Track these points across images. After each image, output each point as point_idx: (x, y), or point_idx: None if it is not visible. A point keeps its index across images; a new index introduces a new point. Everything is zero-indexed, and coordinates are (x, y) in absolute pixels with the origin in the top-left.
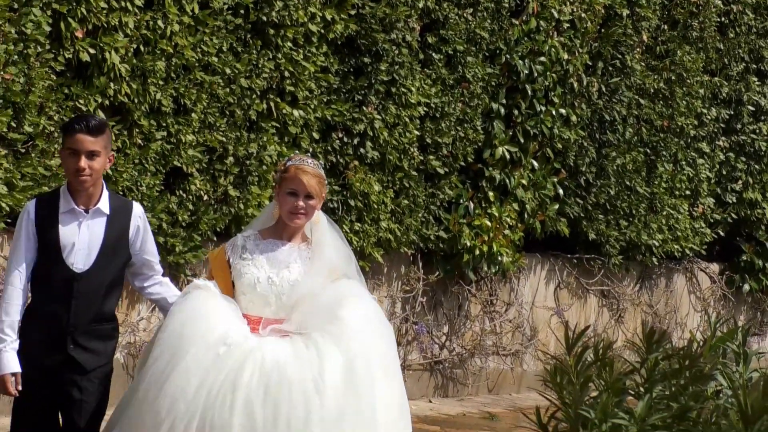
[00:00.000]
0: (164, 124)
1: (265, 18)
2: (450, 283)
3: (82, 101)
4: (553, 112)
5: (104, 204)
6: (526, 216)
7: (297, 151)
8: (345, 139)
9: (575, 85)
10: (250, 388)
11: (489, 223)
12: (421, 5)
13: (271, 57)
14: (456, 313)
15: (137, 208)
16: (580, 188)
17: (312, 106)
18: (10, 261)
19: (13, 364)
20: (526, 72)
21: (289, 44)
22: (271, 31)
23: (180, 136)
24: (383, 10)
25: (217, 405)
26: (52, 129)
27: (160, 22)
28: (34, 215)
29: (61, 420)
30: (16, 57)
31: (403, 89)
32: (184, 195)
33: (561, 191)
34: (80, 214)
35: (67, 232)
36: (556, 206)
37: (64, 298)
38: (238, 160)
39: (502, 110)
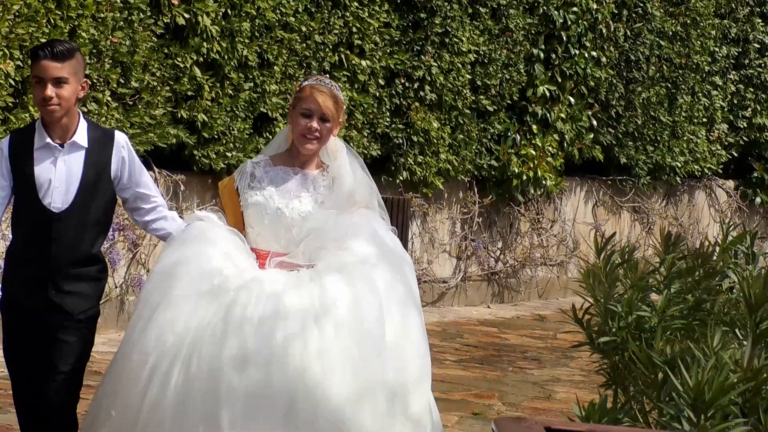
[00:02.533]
0: (251, 77)
1: None
2: (502, 204)
3: (179, 59)
4: (586, 55)
5: (81, 136)
6: (565, 145)
7: (323, 77)
8: (406, 84)
9: (604, 30)
10: (243, 318)
11: (533, 152)
12: None
13: (340, 15)
14: (508, 231)
15: (120, 137)
16: (611, 119)
17: (377, 57)
18: None
19: None
20: (561, 21)
21: (356, 3)
22: None
23: (265, 87)
24: None
25: (206, 337)
26: (155, 84)
27: None
28: (8, 151)
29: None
30: (122, 23)
31: (455, 39)
32: (270, 136)
33: (595, 122)
34: (55, 149)
35: (42, 169)
36: (591, 135)
37: (43, 241)
38: None
39: (542, 55)
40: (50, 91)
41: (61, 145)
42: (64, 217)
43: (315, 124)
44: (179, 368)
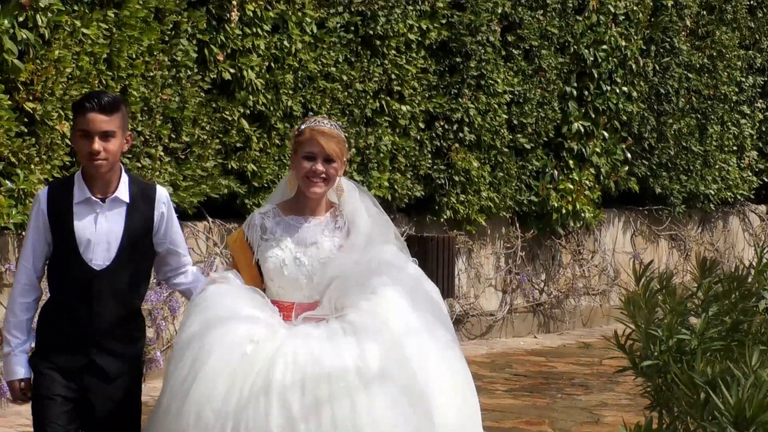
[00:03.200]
0: (296, 125)
1: (371, 32)
2: (543, 238)
3: (227, 112)
4: (617, 90)
5: (123, 191)
6: (601, 178)
7: (321, 117)
8: (446, 126)
9: (633, 66)
10: (284, 386)
11: (571, 186)
12: (500, 11)
13: (379, 63)
14: (550, 263)
15: (161, 192)
16: (645, 151)
17: (416, 101)
18: (20, 255)
19: (22, 370)
20: (592, 59)
21: (393, 52)
22: (378, 42)
23: None
24: (469, 17)
25: (250, 409)
26: (205, 137)
27: (285, 42)
28: (46, 205)
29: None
30: (170, 80)
31: (490, 81)
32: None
33: (629, 155)
34: (96, 204)
35: (82, 225)
36: (626, 168)
37: (83, 298)
38: (359, 151)
39: (575, 92)
40: (98, 145)
41: (103, 200)
42: (105, 274)
43: (320, 167)
44: None
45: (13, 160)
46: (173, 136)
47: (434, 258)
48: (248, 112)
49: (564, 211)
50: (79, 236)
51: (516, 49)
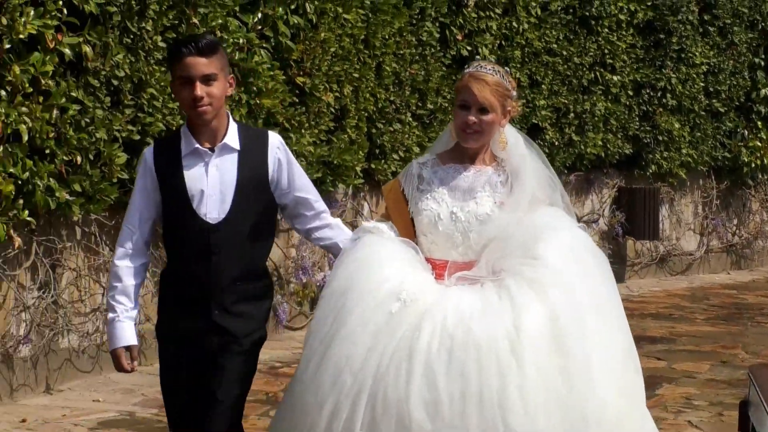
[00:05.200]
0: (523, 95)
1: (587, 13)
2: (735, 188)
3: None
4: None
5: (232, 138)
6: None
7: (486, 62)
8: (651, 93)
9: None
10: (429, 353)
11: (759, 144)
12: None
13: (594, 40)
14: (741, 210)
15: (274, 138)
16: None
17: (626, 72)
18: (124, 217)
19: (128, 336)
20: None
21: (606, 30)
22: (593, 22)
23: (535, 102)
24: (671, 0)
25: (390, 375)
26: (446, 105)
27: (514, 23)
28: (152, 162)
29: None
30: (417, 57)
31: (689, 54)
32: (541, 143)
33: None
34: (205, 153)
35: (193, 177)
36: None
37: (201, 255)
38: (576, 115)
39: (762, 63)
40: (200, 90)
41: (212, 149)
42: (222, 228)
43: (472, 117)
44: (362, 413)
45: (287, 125)
46: (419, 104)
47: (642, 206)
48: None
49: (753, 165)
50: (190, 189)
51: (711, 27)
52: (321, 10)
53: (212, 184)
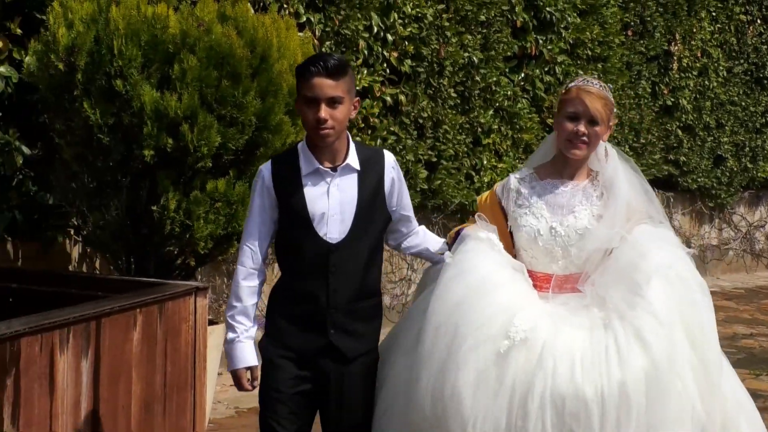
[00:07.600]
0: (711, 134)
1: (761, 74)
2: None
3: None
4: None
5: (353, 158)
6: None
7: (591, 77)
8: None
9: None
10: (540, 405)
11: None
12: None
13: (766, 95)
14: None
15: (389, 158)
16: None
17: None
18: (242, 236)
19: (249, 357)
20: None
21: None
22: (765, 81)
23: (720, 139)
24: None
25: (502, 418)
26: (654, 140)
27: (706, 81)
28: (271, 179)
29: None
30: (634, 105)
31: None
32: (724, 168)
33: None
34: (327, 174)
35: (314, 197)
36: None
37: (319, 275)
38: (750, 149)
39: None
40: (324, 112)
41: (333, 169)
42: (342, 248)
43: (582, 128)
44: None
45: None
46: (635, 139)
47: None
48: None
49: None
50: (311, 209)
51: None
52: (566, 72)
53: (333, 205)
